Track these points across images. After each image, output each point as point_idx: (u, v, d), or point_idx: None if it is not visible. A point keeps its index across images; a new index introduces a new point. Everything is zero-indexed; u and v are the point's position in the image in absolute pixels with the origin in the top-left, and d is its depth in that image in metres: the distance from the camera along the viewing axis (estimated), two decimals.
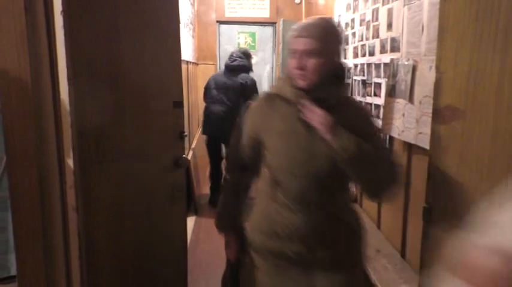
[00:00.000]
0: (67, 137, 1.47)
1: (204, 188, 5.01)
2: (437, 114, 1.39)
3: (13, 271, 2.71)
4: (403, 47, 2.47)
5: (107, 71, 1.52)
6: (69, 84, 1.41)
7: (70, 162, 1.48)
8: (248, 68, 4.24)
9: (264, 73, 6.33)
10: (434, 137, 1.41)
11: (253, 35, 6.22)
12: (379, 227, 2.91)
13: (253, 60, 6.21)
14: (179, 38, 1.89)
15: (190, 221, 3.94)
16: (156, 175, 1.79)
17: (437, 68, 1.35)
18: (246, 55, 4.29)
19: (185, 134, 1.89)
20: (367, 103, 3.08)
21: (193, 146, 4.86)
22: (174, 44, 1.81)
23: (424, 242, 1.52)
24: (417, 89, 2.26)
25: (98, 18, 1.48)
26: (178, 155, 1.86)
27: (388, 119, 2.63)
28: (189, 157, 4.29)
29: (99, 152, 1.52)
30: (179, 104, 1.83)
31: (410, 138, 2.33)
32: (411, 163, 2.39)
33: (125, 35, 1.57)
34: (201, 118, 5.89)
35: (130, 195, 1.66)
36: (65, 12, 1.38)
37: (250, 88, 4.05)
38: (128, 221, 1.69)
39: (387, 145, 2.65)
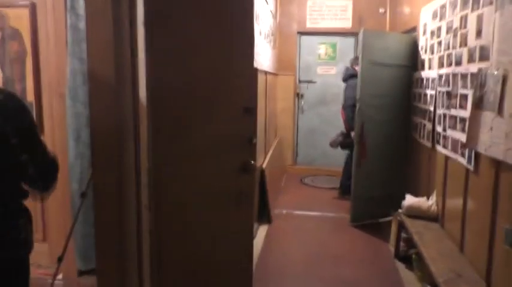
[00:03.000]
0: (144, 138, 1.59)
1: (279, 197, 5.04)
2: None
3: None
4: (493, 55, 2.27)
5: (181, 77, 1.61)
6: (147, 89, 1.53)
7: (145, 162, 1.59)
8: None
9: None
10: None
11: (333, 45, 6.16)
12: (461, 249, 2.68)
13: (334, 71, 6.16)
14: (253, 46, 1.95)
15: (263, 230, 3.99)
16: (223, 179, 1.84)
17: None
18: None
19: (254, 140, 1.93)
20: (452, 116, 2.87)
21: (269, 155, 4.92)
22: (247, 52, 1.87)
23: (507, 269, 1.37)
24: (507, 101, 2.06)
25: (174, 27, 1.58)
26: (246, 160, 1.90)
27: (473, 132, 2.43)
28: (265, 166, 4.35)
29: (172, 153, 1.61)
30: (250, 110, 1.87)
31: (498, 154, 2.12)
32: (499, 180, 2.17)
33: (197, 42, 1.65)
34: (279, 129, 5.96)
35: (198, 196, 1.73)
36: (146, 23, 1.50)
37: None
38: (195, 221, 1.76)
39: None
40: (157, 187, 1.58)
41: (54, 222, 2.81)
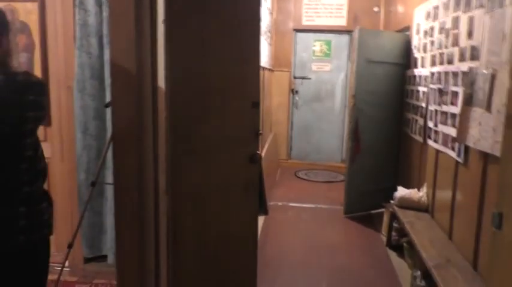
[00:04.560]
0: (162, 128, 1.71)
1: (274, 190, 5.19)
2: (510, 121, 1.41)
3: (104, 251, 3.08)
4: (483, 55, 2.42)
5: (196, 74, 1.73)
6: (166, 83, 1.64)
7: (163, 150, 1.71)
8: None
9: (339, 81, 6.38)
10: (507, 143, 1.42)
11: (328, 43, 6.30)
12: (450, 237, 2.85)
13: (328, 68, 6.30)
14: (259, 44, 2.07)
15: (260, 221, 4.12)
16: (234, 168, 1.97)
17: None
18: None
19: (260, 132, 2.06)
20: (443, 112, 3.03)
21: (264, 149, 5.06)
22: (254, 50, 2.00)
23: (494, 251, 1.52)
24: (495, 98, 2.22)
25: (191, 27, 1.70)
26: (253, 152, 2.03)
27: (463, 127, 2.59)
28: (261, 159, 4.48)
29: (188, 143, 1.73)
30: (257, 105, 2.00)
31: (486, 147, 2.28)
32: (487, 172, 2.34)
33: (211, 41, 1.78)
34: (273, 125, 6.06)
35: (212, 184, 1.86)
36: (166, 22, 1.62)
37: None
38: (209, 207, 1.89)
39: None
40: (175, 174, 1.70)
41: (61, 211, 2.91)
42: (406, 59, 4.26)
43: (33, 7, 2.82)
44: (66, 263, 2.63)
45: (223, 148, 1.88)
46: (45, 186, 1.54)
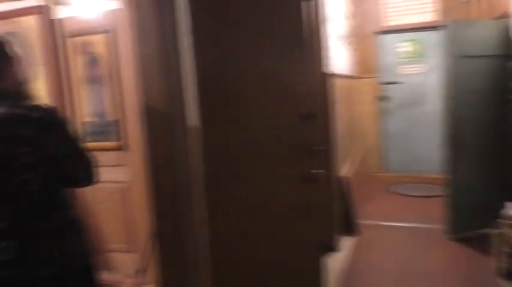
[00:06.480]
0: (197, 152, 1.57)
1: (365, 206, 4.76)
2: None
3: None
4: None
5: (231, 83, 1.57)
6: (199, 96, 1.50)
7: (200, 176, 1.57)
8: None
9: (432, 82, 5.73)
10: None
11: (417, 42, 5.72)
12: None
13: (420, 69, 5.72)
14: (307, 48, 1.83)
15: (348, 243, 3.77)
16: (282, 189, 1.75)
17: None
18: None
19: (318, 148, 1.80)
20: None
21: (350, 162, 4.69)
22: (303, 56, 1.77)
23: None
24: None
25: (221, 35, 1.55)
26: (308, 170, 1.78)
27: None
28: (346, 174, 4.14)
29: (227, 167, 1.57)
30: (311, 117, 1.76)
31: None
32: None
33: (246, 51, 1.60)
34: (361, 135, 5.66)
35: (256, 209, 1.67)
36: (193, 33, 1.48)
37: None
38: (251, 230, 1.69)
39: None
40: (214, 200, 1.55)
41: (141, 231, 2.93)
42: (507, 50, 3.62)
43: (105, 38, 2.92)
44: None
45: (269, 167, 1.67)
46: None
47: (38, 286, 1.37)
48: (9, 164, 1.29)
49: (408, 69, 5.86)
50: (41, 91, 3.01)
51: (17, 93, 1.36)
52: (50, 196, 1.39)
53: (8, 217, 1.33)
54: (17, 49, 1.42)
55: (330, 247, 3.56)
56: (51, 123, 1.34)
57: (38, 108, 1.34)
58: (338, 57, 4.12)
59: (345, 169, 4.30)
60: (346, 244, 3.78)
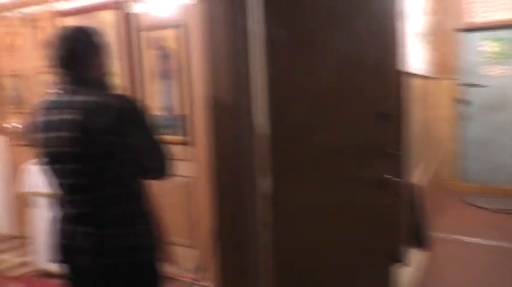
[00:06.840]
0: (264, 151, 1.49)
1: (438, 219, 4.40)
2: None
3: None
4: None
5: (301, 81, 1.48)
6: (268, 94, 1.43)
7: (266, 176, 1.50)
8: None
9: None
10: None
11: (505, 41, 5.21)
12: None
13: (508, 71, 5.21)
14: (395, 46, 1.68)
15: (418, 257, 3.49)
16: (351, 193, 1.62)
17: None
18: None
19: (393, 151, 1.63)
20: None
21: (423, 169, 4.36)
22: (381, 52, 1.62)
23: None
24: None
25: (295, 27, 1.45)
26: (381, 175, 1.62)
27: None
28: (418, 182, 3.85)
29: (294, 168, 1.48)
30: (386, 117, 1.60)
31: None
32: None
33: (322, 44, 1.49)
34: (437, 140, 5.29)
35: (322, 212, 1.56)
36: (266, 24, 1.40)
37: None
38: (319, 237, 1.58)
39: None
40: (280, 202, 1.46)
41: (204, 227, 2.93)
42: None
43: (178, 32, 2.94)
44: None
45: (337, 167, 1.55)
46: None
47: (109, 274, 1.37)
48: (92, 152, 1.30)
49: (493, 71, 5.35)
50: (116, 84, 3.11)
51: (102, 83, 1.39)
52: (124, 185, 1.40)
53: (90, 204, 1.35)
54: (106, 40, 1.43)
55: (396, 258, 3.31)
56: (131, 113, 1.35)
57: (120, 97, 1.37)
58: (415, 55, 3.84)
59: (417, 176, 4.00)
60: (416, 257, 3.49)
